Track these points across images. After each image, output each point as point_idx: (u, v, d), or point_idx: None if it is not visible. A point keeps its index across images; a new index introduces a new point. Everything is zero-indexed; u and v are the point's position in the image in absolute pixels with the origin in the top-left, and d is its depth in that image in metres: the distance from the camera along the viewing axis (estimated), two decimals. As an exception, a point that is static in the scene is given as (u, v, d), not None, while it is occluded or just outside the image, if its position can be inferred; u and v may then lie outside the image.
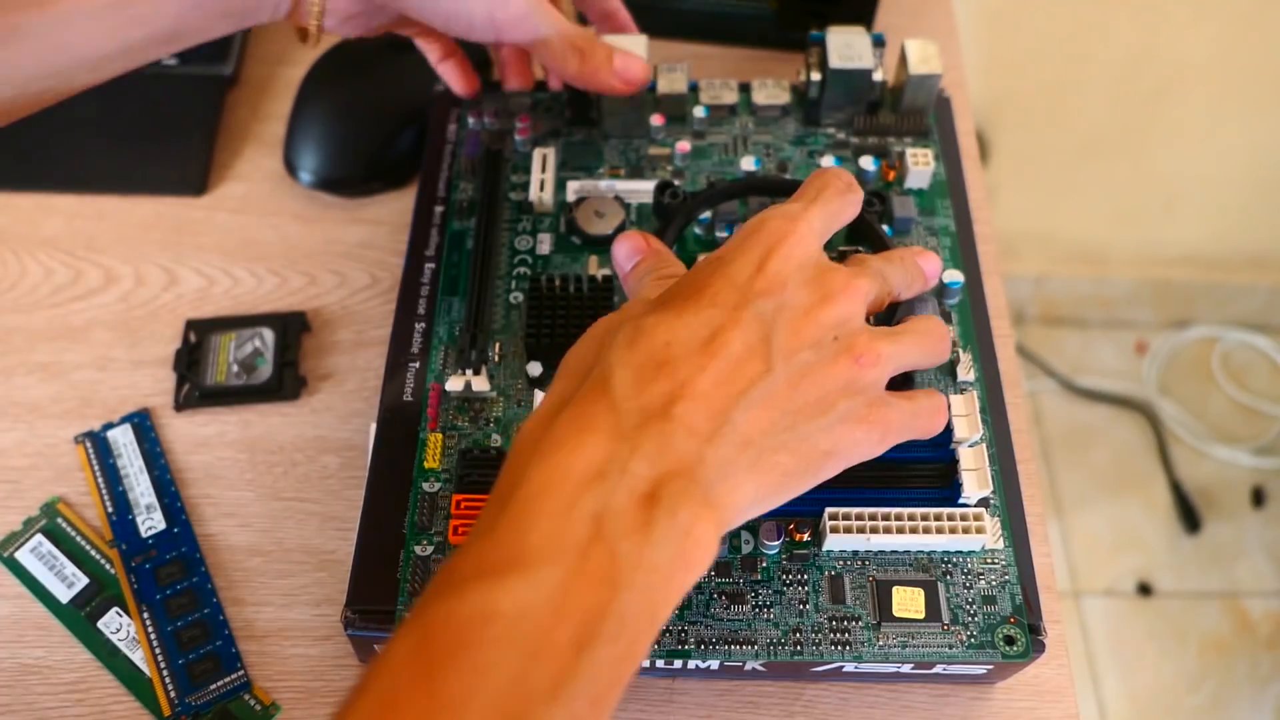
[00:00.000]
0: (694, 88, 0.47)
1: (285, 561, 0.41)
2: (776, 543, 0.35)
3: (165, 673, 0.38)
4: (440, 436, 0.38)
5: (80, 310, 0.48)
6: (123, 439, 0.44)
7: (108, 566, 0.41)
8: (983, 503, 0.36)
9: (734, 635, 0.35)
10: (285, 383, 0.45)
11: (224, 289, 0.48)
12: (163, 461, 0.43)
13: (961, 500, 0.36)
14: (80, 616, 0.40)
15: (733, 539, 0.36)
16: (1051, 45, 1.01)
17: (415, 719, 0.24)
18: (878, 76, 0.45)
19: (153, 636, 0.39)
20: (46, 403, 0.45)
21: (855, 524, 0.35)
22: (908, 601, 0.35)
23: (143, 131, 0.53)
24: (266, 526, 0.42)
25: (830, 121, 0.47)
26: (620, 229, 0.43)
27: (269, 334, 0.46)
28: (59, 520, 0.42)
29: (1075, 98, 1.07)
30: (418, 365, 0.40)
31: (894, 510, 0.35)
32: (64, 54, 0.36)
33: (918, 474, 0.37)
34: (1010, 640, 0.34)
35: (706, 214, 0.43)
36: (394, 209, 0.51)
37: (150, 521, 0.42)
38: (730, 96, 0.47)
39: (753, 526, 0.36)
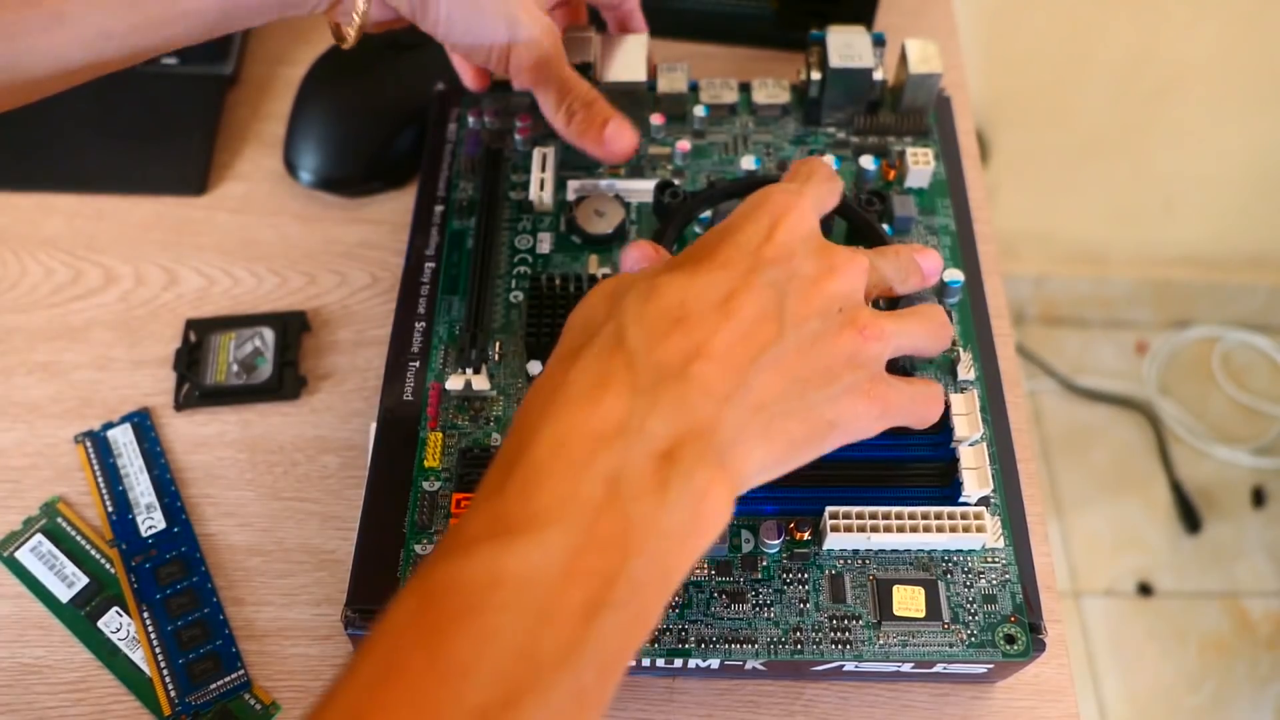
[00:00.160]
0: (694, 87, 0.47)
1: (285, 561, 0.41)
2: (777, 541, 0.35)
3: (165, 672, 0.38)
4: (440, 436, 0.38)
5: (80, 310, 0.48)
6: (123, 439, 0.44)
7: (108, 566, 0.41)
8: (983, 502, 0.36)
9: (734, 634, 0.35)
10: (285, 382, 0.45)
11: (224, 289, 0.48)
12: (163, 461, 0.43)
13: (962, 499, 0.36)
14: (80, 616, 0.40)
15: (733, 538, 0.36)
16: (1051, 45, 1.01)
17: (417, 685, 0.23)
18: (878, 76, 0.45)
19: (153, 636, 0.39)
20: (46, 402, 0.45)
21: (856, 523, 0.35)
22: (908, 600, 0.35)
23: (143, 131, 0.53)
24: (266, 526, 0.42)
25: (830, 121, 0.47)
26: (620, 228, 0.43)
27: (269, 334, 0.46)
28: (59, 520, 0.42)
29: (1075, 98, 1.07)
30: (418, 364, 0.40)
31: (894, 509, 0.35)
32: (109, 42, 0.36)
33: (918, 473, 0.37)
34: (1010, 639, 0.34)
35: (707, 213, 0.43)
36: (394, 208, 0.51)
37: (150, 521, 0.42)
38: (730, 96, 0.47)
39: (753, 525, 0.36)
